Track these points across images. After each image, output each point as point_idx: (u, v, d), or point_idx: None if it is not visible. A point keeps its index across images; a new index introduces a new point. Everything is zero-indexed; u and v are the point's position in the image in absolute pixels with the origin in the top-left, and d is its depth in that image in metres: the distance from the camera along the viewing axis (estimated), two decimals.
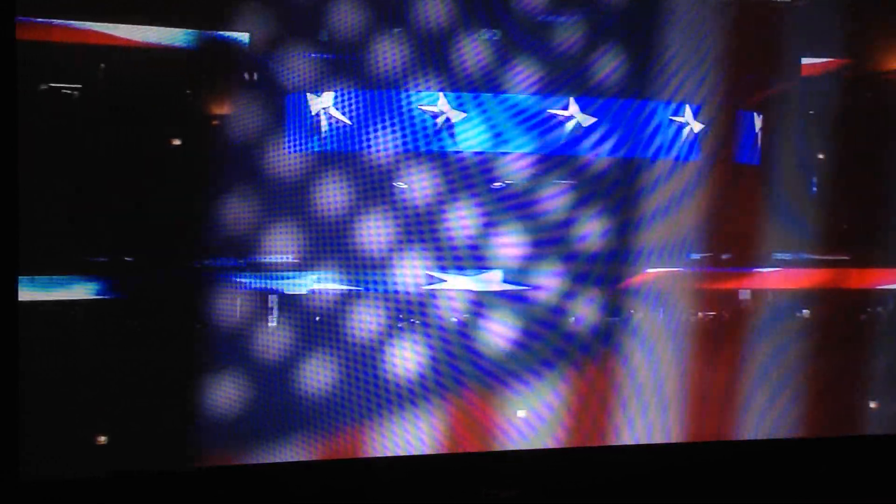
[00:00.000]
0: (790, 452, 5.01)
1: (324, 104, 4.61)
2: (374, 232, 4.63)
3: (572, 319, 4.86)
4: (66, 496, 4.19)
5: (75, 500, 4.21)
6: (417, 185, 4.69)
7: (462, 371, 4.70)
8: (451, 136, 4.68)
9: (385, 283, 4.64)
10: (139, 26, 4.50)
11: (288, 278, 4.52)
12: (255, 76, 4.61)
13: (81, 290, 4.26)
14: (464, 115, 4.68)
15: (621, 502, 4.70)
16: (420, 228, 4.67)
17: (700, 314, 5.12)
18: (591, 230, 4.89)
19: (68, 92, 4.55)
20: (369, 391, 4.59)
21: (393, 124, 4.63)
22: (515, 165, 4.81)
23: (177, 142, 4.53)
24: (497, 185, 4.77)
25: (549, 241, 4.84)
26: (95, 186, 4.35)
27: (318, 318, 4.55)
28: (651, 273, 4.99)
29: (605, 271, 4.92)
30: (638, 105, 4.91)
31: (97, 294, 4.29)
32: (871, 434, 5.15)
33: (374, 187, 4.65)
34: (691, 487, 4.83)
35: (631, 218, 4.94)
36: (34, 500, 4.14)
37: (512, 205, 4.79)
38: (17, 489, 4.07)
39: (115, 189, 4.37)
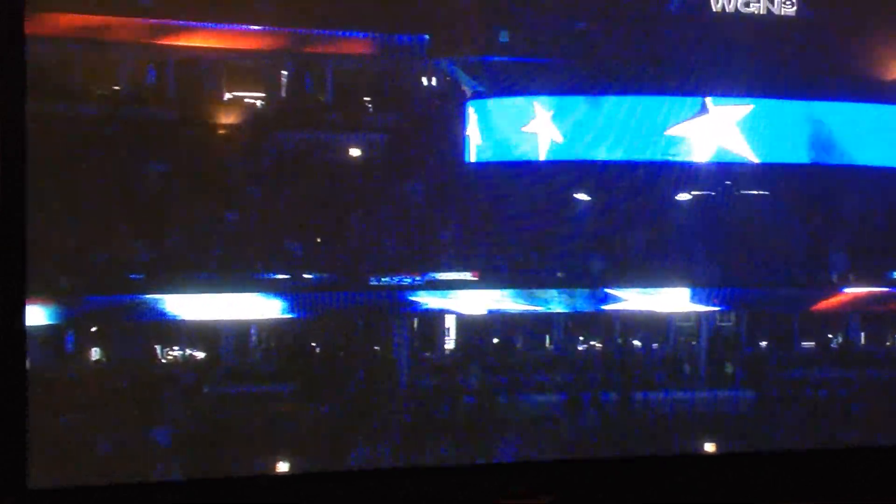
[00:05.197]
0: None
1: (537, 115, 4.39)
2: (550, 247, 4.45)
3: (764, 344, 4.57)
4: None
5: None
6: (603, 198, 4.47)
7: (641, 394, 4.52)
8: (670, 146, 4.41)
9: (562, 300, 4.47)
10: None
11: (464, 297, 4.41)
12: (434, 81, 4.45)
13: (263, 307, 4.29)
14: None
15: None
16: (602, 244, 4.46)
17: None
18: (793, 246, 4.55)
19: (251, 101, 4.52)
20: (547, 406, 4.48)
21: (598, 133, 4.38)
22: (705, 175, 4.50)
23: (356, 152, 4.45)
24: (684, 196, 4.49)
25: (750, 256, 4.52)
26: (271, 200, 4.34)
27: (496, 340, 4.45)
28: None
29: (800, 291, 4.58)
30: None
31: (282, 313, 4.29)
32: None
33: (555, 200, 4.47)
34: None
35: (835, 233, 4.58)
36: None
37: (709, 218, 4.50)
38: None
39: (292, 203, 4.35)
